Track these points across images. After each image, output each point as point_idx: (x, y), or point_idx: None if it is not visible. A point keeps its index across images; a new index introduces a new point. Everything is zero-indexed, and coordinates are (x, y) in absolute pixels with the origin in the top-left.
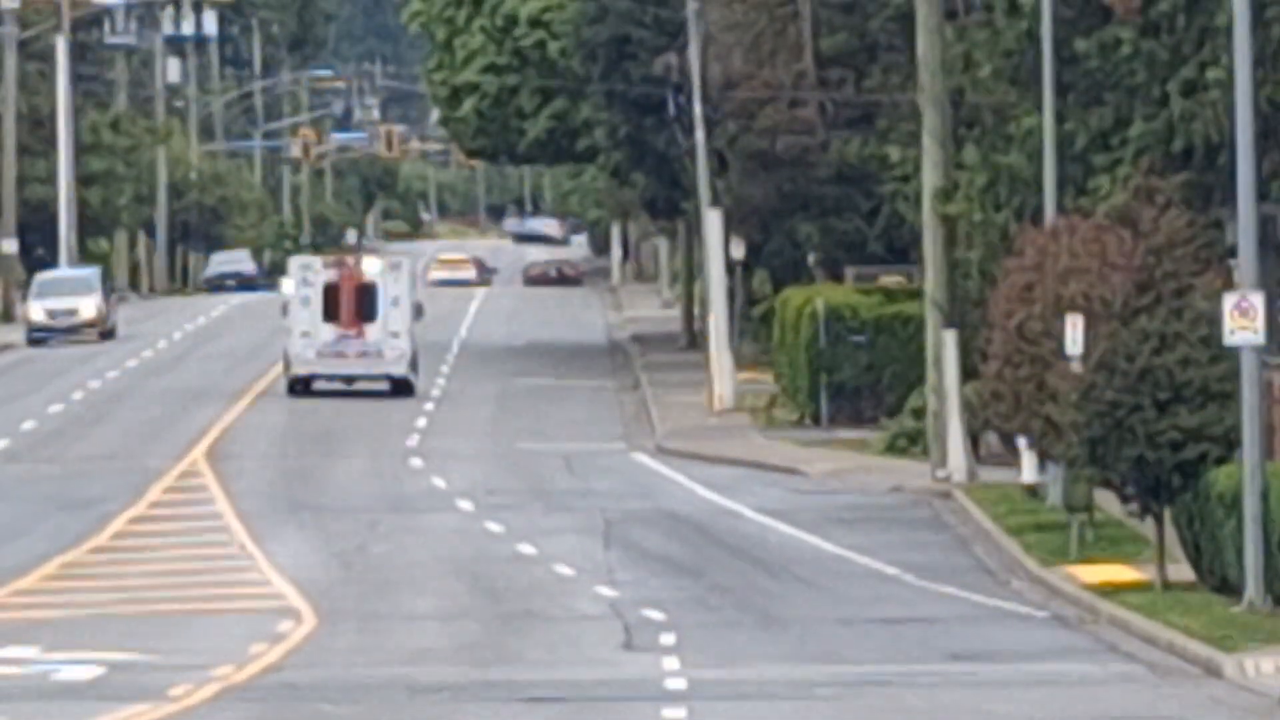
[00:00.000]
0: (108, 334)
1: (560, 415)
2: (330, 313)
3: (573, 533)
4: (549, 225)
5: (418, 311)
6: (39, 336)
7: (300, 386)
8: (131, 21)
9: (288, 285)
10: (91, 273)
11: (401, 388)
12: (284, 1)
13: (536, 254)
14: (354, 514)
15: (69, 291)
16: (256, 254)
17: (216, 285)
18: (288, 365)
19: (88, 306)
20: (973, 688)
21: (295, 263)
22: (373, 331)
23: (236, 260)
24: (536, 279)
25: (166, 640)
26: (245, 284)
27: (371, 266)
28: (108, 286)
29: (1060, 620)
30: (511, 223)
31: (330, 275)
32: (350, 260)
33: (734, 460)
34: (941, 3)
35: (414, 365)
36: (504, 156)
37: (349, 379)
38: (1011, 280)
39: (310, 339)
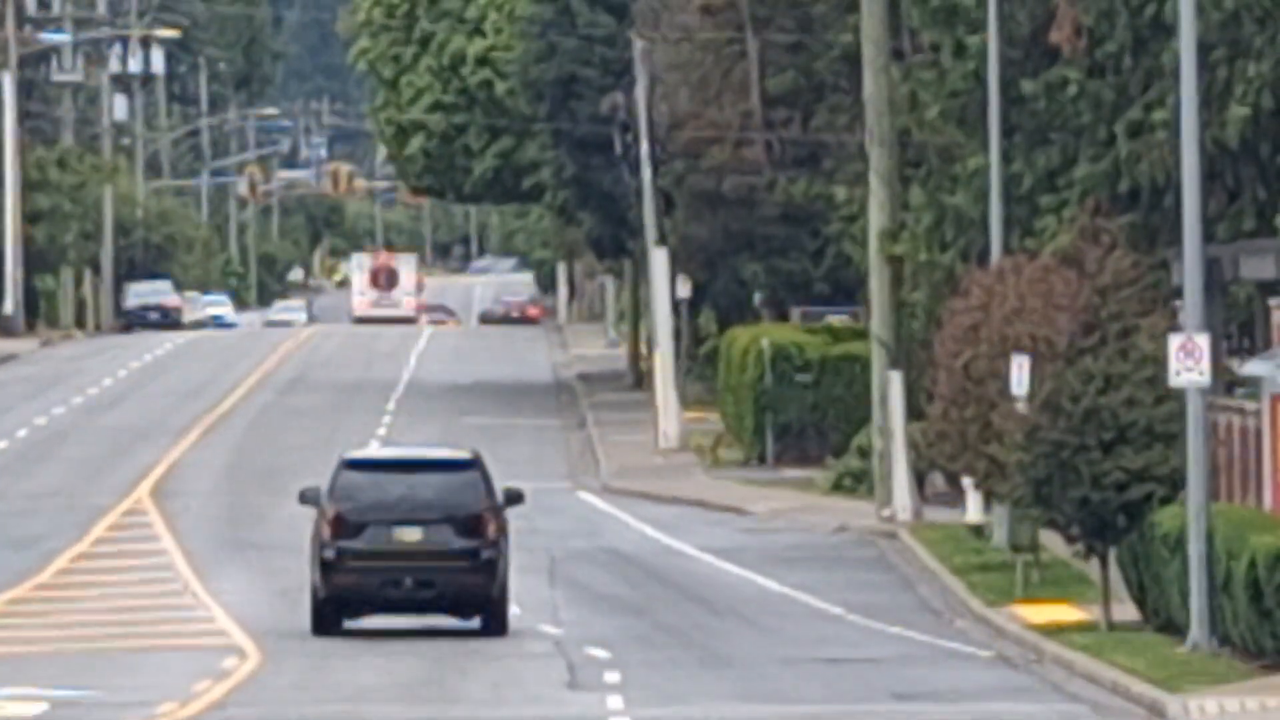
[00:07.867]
0: None
1: (506, 454)
2: (373, 282)
3: (518, 571)
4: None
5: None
6: None
7: (357, 322)
8: (78, 59)
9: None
10: None
11: (410, 321)
12: (231, 39)
13: (492, 294)
14: (298, 552)
15: None
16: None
17: (136, 319)
18: (351, 311)
19: None
20: None
21: (355, 256)
22: (395, 293)
23: (158, 292)
24: (500, 319)
25: (111, 677)
26: (166, 317)
27: (393, 259)
28: None
29: (1005, 660)
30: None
31: (372, 262)
32: (383, 254)
33: (679, 499)
34: (888, 43)
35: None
36: (450, 195)
37: (384, 319)
38: (957, 320)
39: (363, 296)
